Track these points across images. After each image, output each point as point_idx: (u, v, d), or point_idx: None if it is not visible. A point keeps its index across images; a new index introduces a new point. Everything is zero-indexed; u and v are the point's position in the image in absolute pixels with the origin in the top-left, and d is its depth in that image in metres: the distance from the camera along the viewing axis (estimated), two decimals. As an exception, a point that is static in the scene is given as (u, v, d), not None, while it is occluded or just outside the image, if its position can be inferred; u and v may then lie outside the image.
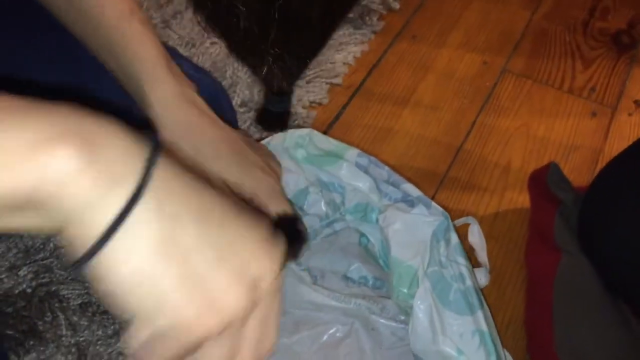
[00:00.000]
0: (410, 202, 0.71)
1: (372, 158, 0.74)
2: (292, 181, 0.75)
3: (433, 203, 0.69)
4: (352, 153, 0.74)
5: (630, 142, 1.04)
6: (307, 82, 1.04)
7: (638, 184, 0.73)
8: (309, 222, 0.75)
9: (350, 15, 1.17)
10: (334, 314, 0.74)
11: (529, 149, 1.02)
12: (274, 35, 0.32)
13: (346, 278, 0.79)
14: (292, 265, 0.77)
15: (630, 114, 1.09)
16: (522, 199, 0.94)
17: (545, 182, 0.82)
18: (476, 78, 1.12)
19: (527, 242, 0.83)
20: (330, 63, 1.11)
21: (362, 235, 0.76)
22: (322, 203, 0.78)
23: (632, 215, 0.72)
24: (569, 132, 1.06)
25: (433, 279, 0.66)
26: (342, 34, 1.14)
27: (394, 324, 0.73)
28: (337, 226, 0.76)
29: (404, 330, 0.73)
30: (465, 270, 0.66)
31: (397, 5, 1.22)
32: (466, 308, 0.66)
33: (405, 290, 0.68)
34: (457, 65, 1.14)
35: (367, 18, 1.17)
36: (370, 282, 0.79)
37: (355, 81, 1.09)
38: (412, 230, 0.70)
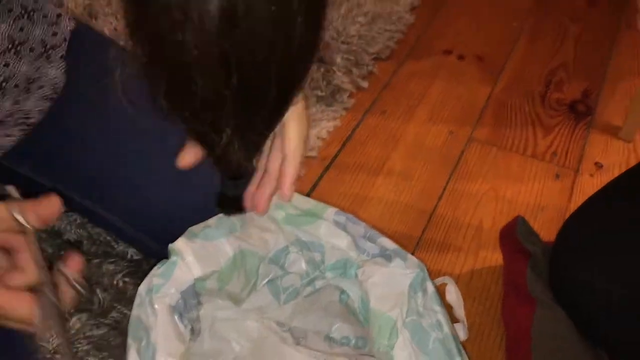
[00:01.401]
0: (388, 257, 0.74)
1: (349, 215, 0.77)
2: (273, 240, 0.78)
3: (409, 255, 0.72)
4: (330, 212, 0.78)
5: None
6: (283, 157, 1.09)
7: (601, 232, 0.77)
8: (290, 281, 0.78)
9: (322, 94, 1.23)
10: (317, 373, 0.75)
11: (499, 211, 1.07)
12: (231, 108, 0.34)
13: (329, 338, 0.81)
14: (275, 326, 0.78)
15: (591, 175, 1.14)
16: (495, 258, 0.97)
17: (515, 236, 0.85)
18: (444, 147, 1.18)
19: (503, 297, 0.86)
20: (305, 138, 1.16)
21: (342, 292, 0.78)
22: (303, 262, 0.80)
23: (599, 262, 0.76)
24: (535, 193, 1.10)
25: (412, 329, 0.68)
26: (315, 111, 1.20)
27: (377, 378, 0.75)
28: (318, 284, 0.78)
29: (387, 383, 0.74)
30: (442, 318, 0.68)
31: (365, 84, 1.29)
32: (445, 356, 0.68)
33: (385, 342, 0.69)
34: (425, 137, 1.20)
35: (338, 96, 1.24)
36: (353, 342, 0.81)
37: (329, 154, 1.14)
38: (390, 282, 0.73)
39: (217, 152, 0.42)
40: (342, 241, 0.77)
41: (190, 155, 0.57)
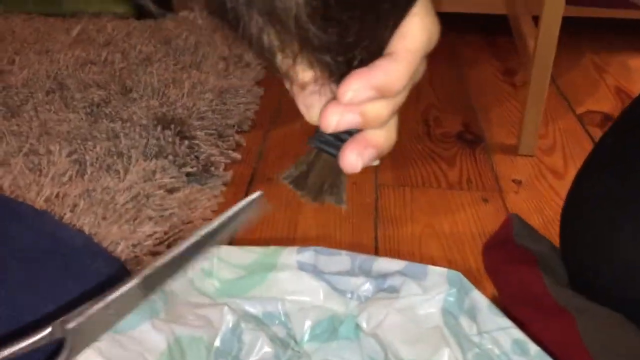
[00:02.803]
0: (392, 287, 0.52)
1: (319, 248, 0.54)
2: (217, 317, 0.52)
3: (430, 268, 0.51)
4: (289, 253, 0.54)
5: (533, 214, 0.97)
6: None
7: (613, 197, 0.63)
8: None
9: (192, 169, 1.00)
10: None
11: (446, 246, 0.89)
12: None
13: None
14: None
15: (516, 192, 1.03)
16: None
17: (511, 240, 0.68)
18: (354, 200, 1.00)
19: (527, 321, 0.66)
20: (188, 223, 0.91)
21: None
22: (264, 343, 0.55)
23: (630, 229, 0.60)
24: (472, 221, 0.95)
25: (483, 366, 0.46)
26: (189, 192, 0.96)
27: None
28: (303, 364, 0.53)
29: None
30: (518, 334, 0.47)
31: (238, 156, 1.08)
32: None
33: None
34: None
35: (213, 169, 1.02)
36: None
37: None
38: (413, 320, 0.50)
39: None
40: (315, 291, 0.54)
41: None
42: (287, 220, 0.95)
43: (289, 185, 0.39)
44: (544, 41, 1.04)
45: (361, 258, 0.52)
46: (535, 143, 1.13)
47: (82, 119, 1.11)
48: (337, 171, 0.38)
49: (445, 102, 1.31)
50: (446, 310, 0.50)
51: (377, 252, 0.88)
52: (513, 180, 1.06)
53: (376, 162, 0.38)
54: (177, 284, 0.53)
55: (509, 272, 0.69)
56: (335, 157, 0.37)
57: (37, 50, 1.35)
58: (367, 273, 0.52)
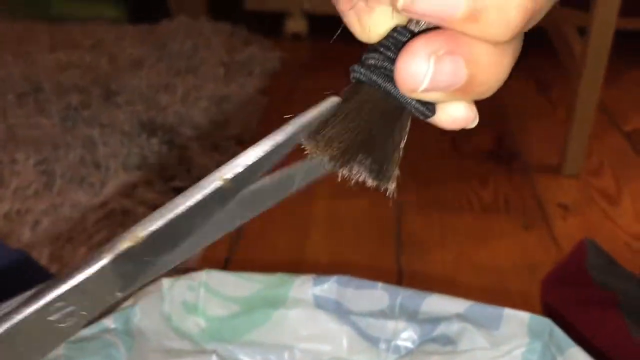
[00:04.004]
0: (447, 337, 0.36)
1: (344, 277, 0.39)
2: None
3: (506, 312, 0.34)
4: (303, 284, 0.38)
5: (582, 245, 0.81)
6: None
7: None
8: None
9: (181, 184, 0.85)
10: None
11: (486, 280, 0.73)
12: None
13: None
14: None
15: (564, 218, 0.87)
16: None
17: (586, 274, 0.51)
18: (371, 221, 0.84)
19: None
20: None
21: None
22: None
23: None
24: (514, 250, 0.79)
25: None
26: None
27: None
28: None
29: None
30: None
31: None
32: None
33: None
34: (341, 213, 0.85)
35: (205, 184, 0.86)
36: None
37: (218, 257, 0.74)
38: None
39: None
40: (337, 338, 0.38)
41: None
42: (291, 244, 0.79)
43: (308, 143, 0.23)
44: (593, 54, 0.91)
45: (404, 294, 0.36)
46: (582, 163, 0.98)
47: (55, 124, 0.95)
48: (390, 123, 0.22)
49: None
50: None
51: (400, 282, 0.72)
52: (559, 205, 0.90)
53: (472, 122, 0.22)
54: (147, 321, 0.38)
55: (582, 315, 0.52)
56: (390, 95, 0.21)
57: (15, 52, 1.21)
58: (410, 315, 0.36)
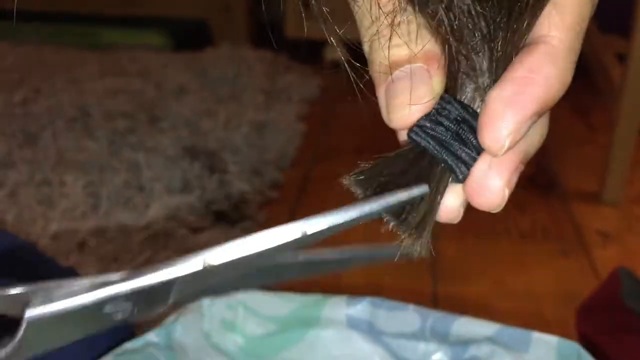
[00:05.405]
0: (477, 359, 0.36)
1: (377, 299, 0.40)
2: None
3: (535, 336, 0.35)
4: (336, 305, 0.40)
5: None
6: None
7: None
8: None
9: (221, 208, 0.87)
10: None
11: (521, 309, 0.73)
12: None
13: None
14: None
15: (604, 247, 0.86)
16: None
17: (621, 303, 0.51)
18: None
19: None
20: (212, 268, 0.77)
21: None
22: None
23: None
24: (551, 278, 0.79)
25: None
26: (216, 233, 0.83)
27: None
28: None
29: None
30: None
31: (274, 194, 0.95)
32: None
33: None
34: (380, 237, 0.86)
35: (245, 207, 0.88)
36: None
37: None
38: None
39: None
40: (370, 356, 0.39)
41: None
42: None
43: (352, 186, 0.25)
44: (633, 80, 0.90)
45: (435, 316, 0.37)
46: (622, 190, 0.97)
47: (102, 148, 0.99)
48: (434, 195, 0.24)
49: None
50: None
51: (436, 307, 0.72)
52: (598, 232, 0.89)
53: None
54: (187, 337, 0.40)
55: (616, 343, 0.52)
56: (445, 167, 0.23)
57: (65, 79, 1.26)
58: (442, 337, 0.37)
